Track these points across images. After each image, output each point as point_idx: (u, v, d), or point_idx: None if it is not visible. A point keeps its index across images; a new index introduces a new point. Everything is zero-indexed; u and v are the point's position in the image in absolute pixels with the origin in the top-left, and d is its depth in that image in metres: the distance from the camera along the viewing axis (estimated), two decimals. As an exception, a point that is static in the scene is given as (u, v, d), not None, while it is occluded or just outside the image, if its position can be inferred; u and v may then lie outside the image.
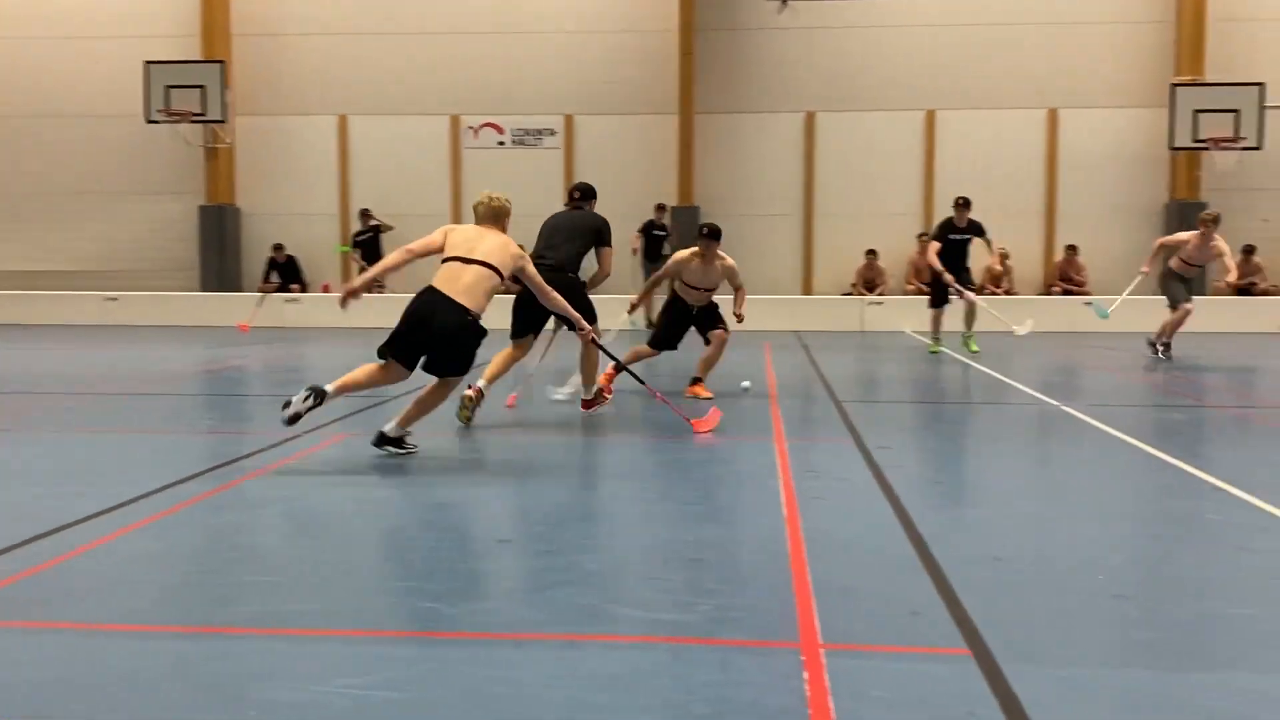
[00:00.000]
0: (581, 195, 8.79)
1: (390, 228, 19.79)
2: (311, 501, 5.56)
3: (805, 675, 3.18)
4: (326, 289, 20.35)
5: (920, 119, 19.46)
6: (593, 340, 7.69)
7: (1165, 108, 17.89)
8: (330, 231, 20.65)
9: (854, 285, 19.45)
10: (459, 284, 6.41)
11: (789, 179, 19.84)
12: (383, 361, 6.46)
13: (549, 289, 7.01)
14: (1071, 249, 18.90)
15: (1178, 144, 17.73)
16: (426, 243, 6.68)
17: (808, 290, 19.88)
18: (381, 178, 20.38)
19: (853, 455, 6.71)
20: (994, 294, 18.57)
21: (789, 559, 4.41)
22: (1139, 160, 19.02)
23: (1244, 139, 17.47)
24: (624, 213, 19.23)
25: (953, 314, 13.70)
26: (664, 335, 9.65)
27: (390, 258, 6.72)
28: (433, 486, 5.99)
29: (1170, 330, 12.53)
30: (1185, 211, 18.62)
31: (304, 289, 20.02)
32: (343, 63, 20.29)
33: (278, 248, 19.96)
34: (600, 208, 8.71)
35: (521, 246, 6.89)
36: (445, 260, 6.55)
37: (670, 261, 9.51)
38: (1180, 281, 12.50)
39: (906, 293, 19.10)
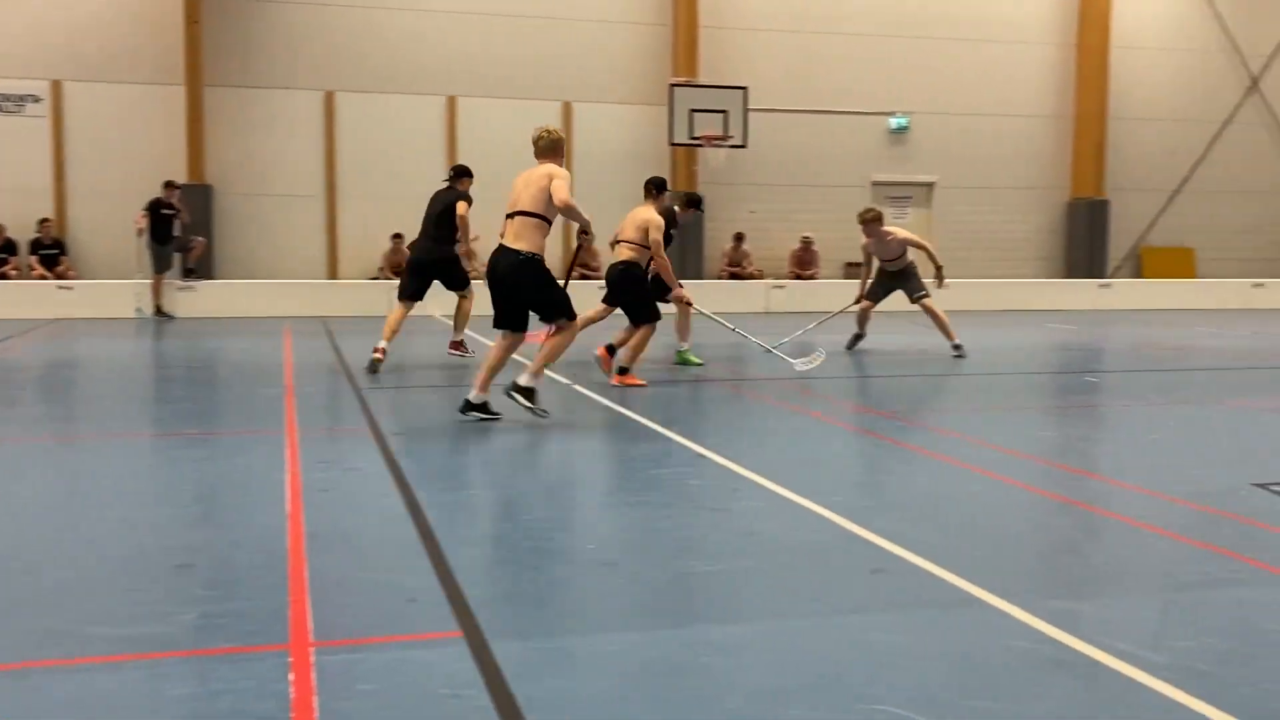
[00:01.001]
0: (455, 175, 10.33)
1: None
2: None
3: (291, 677, 3.06)
4: None
5: (442, 104, 19.59)
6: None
7: (665, 105, 19.29)
8: None
9: (381, 270, 19.23)
10: (510, 234, 7.12)
11: (310, 159, 19.21)
12: (501, 333, 7.27)
13: (576, 206, 7.05)
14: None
15: (676, 140, 19.19)
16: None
17: (334, 275, 19.40)
18: None
19: (367, 443, 6.60)
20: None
21: (288, 557, 4.23)
22: (645, 154, 20.36)
23: (732, 137, 19.26)
24: (127, 190, 17.73)
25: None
26: (655, 305, 9.58)
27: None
28: None
29: (942, 329, 11.71)
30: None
31: None
32: None
33: None
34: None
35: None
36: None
37: (659, 223, 9.49)
38: (881, 279, 12.05)
39: (433, 277, 19.17)
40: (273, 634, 3.40)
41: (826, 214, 20.66)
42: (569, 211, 6.99)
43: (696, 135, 18.92)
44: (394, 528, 4.67)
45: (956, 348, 11.43)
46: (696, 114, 18.98)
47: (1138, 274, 22.73)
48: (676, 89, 19.04)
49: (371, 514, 4.95)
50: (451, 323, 11.25)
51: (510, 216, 7.12)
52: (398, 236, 19.12)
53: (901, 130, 21.43)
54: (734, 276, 20.27)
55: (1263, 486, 5.56)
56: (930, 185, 21.89)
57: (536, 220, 7.03)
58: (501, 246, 7.12)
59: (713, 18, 20.28)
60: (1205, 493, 5.48)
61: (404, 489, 5.37)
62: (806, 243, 20.50)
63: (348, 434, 7.05)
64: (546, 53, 19.86)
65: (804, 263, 20.56)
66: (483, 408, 7.30)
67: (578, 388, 9.16)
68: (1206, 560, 4.36)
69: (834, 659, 3.30)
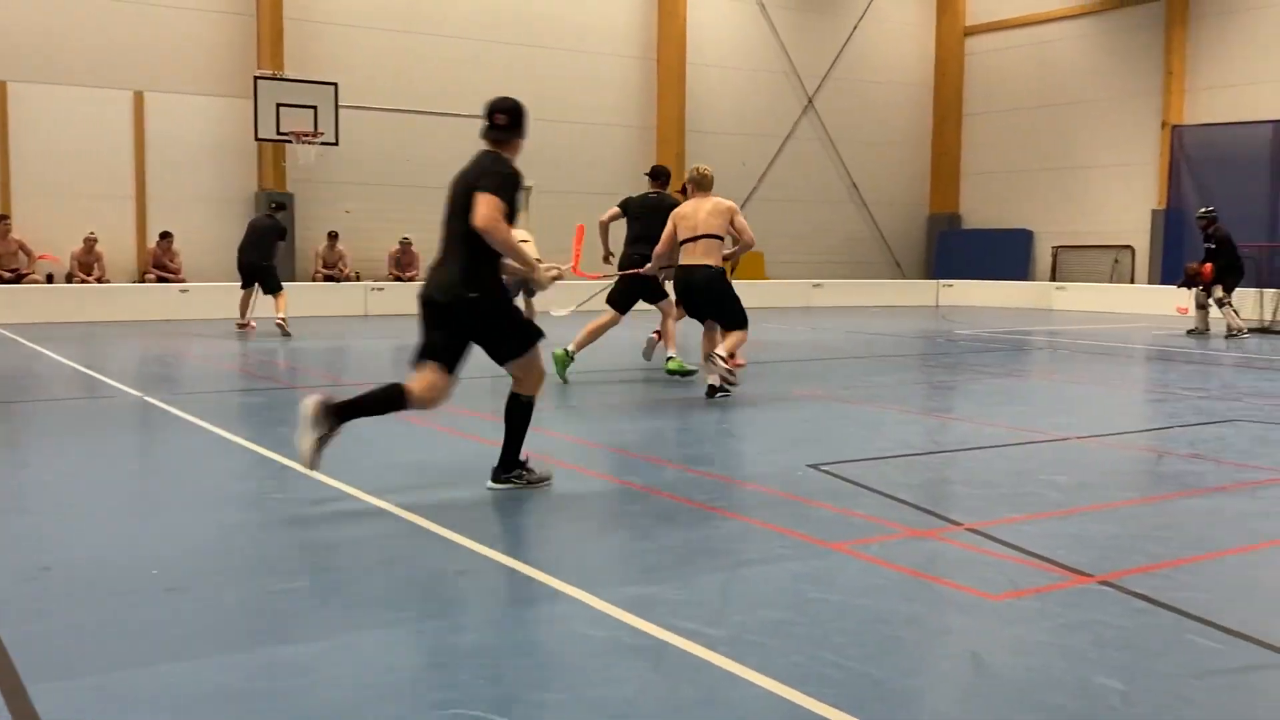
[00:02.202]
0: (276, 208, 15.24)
1: None
2: None
3: None
4: None
5: (-9, 89, 17.55)
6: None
7: (250, 99, 18.37)
8: None
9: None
10: (699, 254, 8.92)
11: None
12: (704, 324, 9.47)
13: (750, 236, 9.21)
14: (166, 236, 18.57)
15: (262, 135, 18.33)
16: (666, 237, 9.17)
17: None
18: None
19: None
20: (85, 281, 17.53)
21: None
22: (228, 149, 19.34)
23: (323, 134, 18.68)
24: None
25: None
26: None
27: (659, 248, 9.31)
28: None
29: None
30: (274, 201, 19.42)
31: None
32: None
33: None
34: None
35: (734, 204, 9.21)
36: (683, 243, 8.98)
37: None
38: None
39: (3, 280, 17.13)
40: None
41: (426, 215, 20.33)
42: (750, 245, 9.18)
43: (284, 131, 18.18)
44: (-85, 567, 4.09)
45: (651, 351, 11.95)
46: (284, 109, 18.24)
47: (716, 275, 24.45)
48: (261, 82, 18.19)
49: (-114, 553, 4.31)
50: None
51: (694, 240, 8.90)
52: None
53: (497, 134, 21.71)
54: (329, 278, 19.70)
55: (815, 467, 6.12)
56: (528, 189, 22.34)
57: (719, 241, 8.96)
58: (693, 265, 8.95)
59: (299, 10, 19.61)
60: (767, 475, 5.96)
61: (-69, 521, 4.72)
62: (406, 244, 20.31)
63: None
64: (116, 38, 18.35)
65: (404, 264, 20.35)
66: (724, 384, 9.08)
67: (149, 399, 8.50)
68: (765, 538, 4.73)
69: (412, 666, 3.25)
